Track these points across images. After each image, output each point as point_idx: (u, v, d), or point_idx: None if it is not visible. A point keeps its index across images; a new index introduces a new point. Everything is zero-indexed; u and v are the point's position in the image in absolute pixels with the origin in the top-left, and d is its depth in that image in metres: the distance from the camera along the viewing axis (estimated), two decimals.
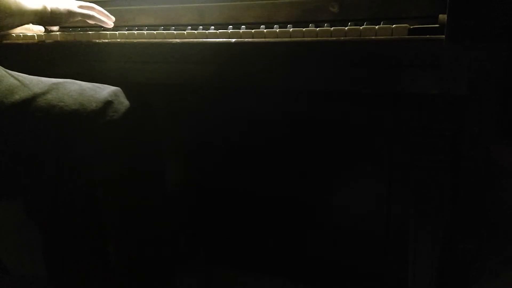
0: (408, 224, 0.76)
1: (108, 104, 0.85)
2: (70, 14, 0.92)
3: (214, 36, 0.78)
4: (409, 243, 0.77)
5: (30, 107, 0.76)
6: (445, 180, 0.70)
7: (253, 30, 0.75)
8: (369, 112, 0.97)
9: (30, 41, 0.95)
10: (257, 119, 1.10)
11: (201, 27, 0.93)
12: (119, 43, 0.84)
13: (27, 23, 0.94)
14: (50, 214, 0.95)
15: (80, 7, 0.94)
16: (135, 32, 0.86)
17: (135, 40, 0.83)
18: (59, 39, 0.93)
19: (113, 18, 0.97)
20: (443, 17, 0.65)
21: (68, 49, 0.90)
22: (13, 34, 1.00)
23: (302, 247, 1.17)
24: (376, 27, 0.66)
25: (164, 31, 0.84)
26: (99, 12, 0.95)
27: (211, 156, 1.21)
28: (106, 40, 0.86)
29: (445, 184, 0.70)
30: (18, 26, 0.95)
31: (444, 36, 0.59)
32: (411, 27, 0.65)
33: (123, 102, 0.89)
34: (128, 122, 0.88)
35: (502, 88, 0.59)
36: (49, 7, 0.90)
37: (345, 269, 1.12)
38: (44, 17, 0.91)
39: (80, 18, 0.93)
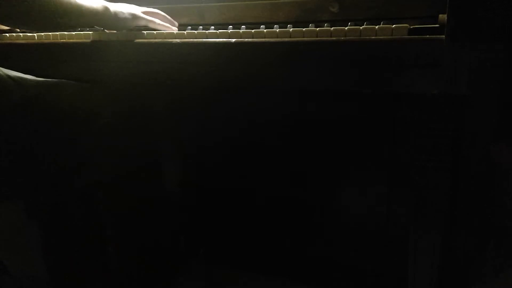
0: (408, 224, 0.76)
1: (107, 104, 0.85)
2: (135, 18, 0.87)
3: (214, 36, 0.78)
4: (409, 243, 0.77)
5: (29, 108, 0.76)
6: (445, 180, 0.70)
7: (253, 30, 0.75)
8: (369, 112, 0.97)
9: (30, 41, 0.95)
10: (257, 119, 1.10)
11: (201, 27, 0.93)
12: (119, 43, 0.84)
13: (86, 26, 0.87)
14: (50, 215, 0.95)
15: (144, 13, 0.90)
16: (135, 32, 0.86)
17: (135, 40, 0.83)
18: (59, 39, 0.93)
19: (177, 23, 0.93)
20: (443, 17, 0.65)
21: (68, 49, 0.90)
22: (13, 34, 1.00)
23: (302, 247, 1.17)
24: (376, 27, 0.66)
25: (164, 31, 0.84)
26: (163, 18, 0.91)
27: (211, 156, 1.21)
28: (106, 40, 0.86)
29: (445, 184, 0.70)
30: (74, 27, 0.88)
31: (444, 36, 0.59)
32: (411, 27, 0.65)
33: (123, 103, 0.89)
34: (128, 122, 0.88)
35: (502, 88, 0.59)
36: (112, 9, 0.84)
37: (345, 269, 1.12)
38: (106, 20, 0.84)
39: (144, 24, 0.88)
